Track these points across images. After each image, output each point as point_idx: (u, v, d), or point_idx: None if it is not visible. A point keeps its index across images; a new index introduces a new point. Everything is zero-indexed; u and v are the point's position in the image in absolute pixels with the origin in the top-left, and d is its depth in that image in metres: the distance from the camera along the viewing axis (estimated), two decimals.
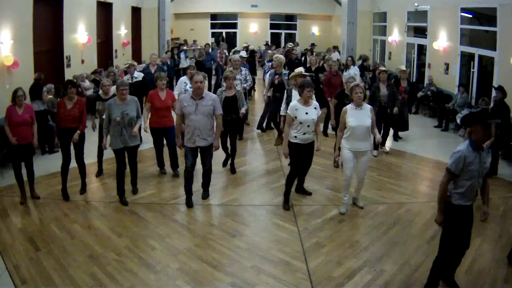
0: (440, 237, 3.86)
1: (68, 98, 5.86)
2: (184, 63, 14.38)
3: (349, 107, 5.39)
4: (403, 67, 9.10)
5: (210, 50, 14.13)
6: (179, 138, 5.68)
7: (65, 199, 5.85)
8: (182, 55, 14.71)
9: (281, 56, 8.84)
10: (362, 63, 13.38)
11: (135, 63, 9.06)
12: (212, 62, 13.46)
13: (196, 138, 5.45)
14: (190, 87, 6.60)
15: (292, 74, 7.11)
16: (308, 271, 4.26)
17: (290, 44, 15.09)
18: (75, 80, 6.98)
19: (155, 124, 6.52)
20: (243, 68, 8.63)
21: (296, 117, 5.31)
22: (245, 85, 8.32)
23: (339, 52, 16.99)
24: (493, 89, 9.10)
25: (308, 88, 5.33)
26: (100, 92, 6.70)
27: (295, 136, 5.40)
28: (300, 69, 7.18)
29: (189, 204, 5.70)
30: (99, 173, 6.85)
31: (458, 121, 9.38)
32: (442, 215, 3.78)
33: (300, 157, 5.56)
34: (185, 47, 17.90)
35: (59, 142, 5.90)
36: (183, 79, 7.89)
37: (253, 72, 12.02)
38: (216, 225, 5.24)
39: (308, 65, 10.86)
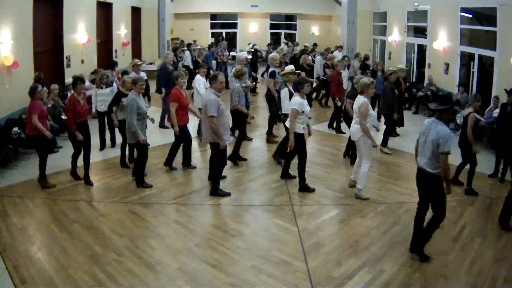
0: (435, 203, 4.44)
1: (78, 94, 6.17)
2: (190, 62, 14.42)
3: (367, 100, 5.94)
4: (403, 66, 9.22)
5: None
6: (223, 140, 5.78)
7: (90, 184, 6.30)
8: (188, 54, 14.89)
9: (273, 54, 9.24)
10: (364, 62, 13.39)
11: (141, 63, 9.48)
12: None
13: (229, 132, 6.10)
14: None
15: (284, 71, 7.37)
16: (308, 271, 4.26)
17: (306, 45, 15.58)
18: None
19: (183, 122, 6.76)
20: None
21: (303, 112, 5.92)
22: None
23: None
24: (493, 91, 9.14)
25: (307, 84, 6.08)
26: (122, 88, 6.97)
27: (303, 128, 6.05)
28: (291, 67, 7.44)
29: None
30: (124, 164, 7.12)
31: (458, 121, 9.39)
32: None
33: (304, 145, 6.14)
34: (192, 47, 17.90)
35: (80, 135, 6.15)
36: (202, 78, 8.09)
37: (254, 71, 12.66)
38: (216, 225, 5.24)
39: (301, 62, 11.21)
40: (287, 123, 6.21)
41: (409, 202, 5.92)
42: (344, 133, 9.01)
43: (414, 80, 13.91)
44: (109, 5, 13.57)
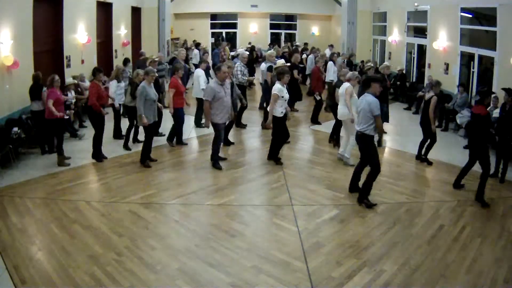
0: (370, 160, 5.70)
1: (99, 81, 7.23)
2: (199, 59, 14.63)
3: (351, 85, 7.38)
4: (388, 63, 10.03)
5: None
6: (208, 120, 6.87)
7: (100, 160, 7.21)
8: (197, 53, 15.24)
9: (271, 51, 10.72)
10: (350, 60, 14.03)
11: (158, 60, 10.47)
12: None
13: (227, 116, 6.99)
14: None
15: (276, 66, 8.60)
16: (308, 271, 4.26)
17: (297, 44, 16.71)
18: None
19: (180, 105, 7.95)
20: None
21: (282, 96, 6.83)
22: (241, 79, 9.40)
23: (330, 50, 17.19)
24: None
25: (287, 74, 7.04)
26: (135, 79, 7.85)
27: (281, 112, 6.92)
28: (282, 61, 8.83)
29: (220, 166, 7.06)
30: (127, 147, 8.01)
31: (458, 121, 9.40)
32: None
33: (284, 128, 7.14)
34: (200, 47, 18.05)
35: (101, 112, 7.12)
36: (202, 72, 9.13)
37: (251, 68, 13.43)
38: (216, 225, 5.23)
39: (293, 61, 11.65)
40: (269, 107, 7.08)
41: (409, 202, 5.93)
42: (320, 123, 10.01)
43: (414, 80, 13.91)
44: (109, 5, 13.56)
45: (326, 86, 11.63)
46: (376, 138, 6.44)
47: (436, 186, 6.65)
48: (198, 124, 9.45)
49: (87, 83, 10.41)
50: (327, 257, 4.52)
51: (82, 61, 11.18)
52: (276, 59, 10.04)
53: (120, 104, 8.55)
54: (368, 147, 5.71)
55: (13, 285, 3.96)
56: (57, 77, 7.02)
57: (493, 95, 8.56)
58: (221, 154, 7.49)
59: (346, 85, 7.44)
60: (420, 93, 11.49)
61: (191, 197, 6.02)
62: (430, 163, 7.43)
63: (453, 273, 4.24)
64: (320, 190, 6.29)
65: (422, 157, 7.55)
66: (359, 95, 8.51)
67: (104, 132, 7.35)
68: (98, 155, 7.26)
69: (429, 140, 7.45)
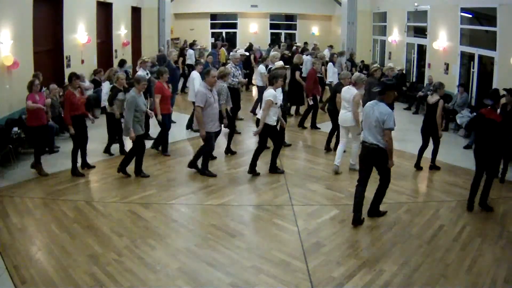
0: (384, 173, 5.16)
1: (74, 88, 6.59)
2: (194, 60, 14.59)
3: (359, 92, 6.77)
4: (392, 65, 9.99)
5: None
6: (203, 129, 6.33)
7: (78, 175, 6.61)
8: (192, 53, 15.16)
9: (274, 52, 10.34)
10: (352, 59, 14.07)
11: (148, 60, 9.89)
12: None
13: (217, 124, 6.55)
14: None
15: (274, 67, 8.16)
16: (308, 271, 4.26)
17: (298, 44, 16.63)
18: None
19: (165, 111, 7.52)
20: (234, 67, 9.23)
21: (276, 103, 6.34)
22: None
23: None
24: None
25: (281, 78, 6.54)
26: (115, 84, 7.46)
27: (275, 120, 6.45)
28: (280, 63, 8.26)
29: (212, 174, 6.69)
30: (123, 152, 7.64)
31: (458, 121, 9.40)
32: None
33: (275, 135, 6.64)
34: (197, 47, 18.08)
35: (73, 129, 6.48)
36: (198, 74, 8.72)
37: (248, 67, 13.38)
38: (216, 225, 5.23)
39: (295, 61, 11.27)
40: (259, 114, 6.58)
41: (409, 202, 5.93)
42: (306, 127, 9.70)
43: (414, 80, 13.91)
44: (109, 5, 13.55)
45: (327, 88, 11.63)
46: None
47: (436, 186, 6.66)
48: (189, 126, 9.24)
49: (87, 83, 10.42)
50: (327, 257, 4.52)
51: (82, 61, 11.18)
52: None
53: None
54: (382, 160, 5.07)
55: (13, 285, 3.95)
56: (36, 82, 6.57)
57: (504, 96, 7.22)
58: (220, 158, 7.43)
59: (353, 91, 6.78)
60: (420, 93, 11.53)
61: (191, 197, 6.02)
62: (438, 168, 7.15)
63: (453, 273, 4.24)
64: (320, 190, 6.29)
65: (430, 165, 7.19)
66: (365, 100, 8.40)
67: (87, 142, 6.94)
68: (75, 170, 6.65)
69: (433, 146, 7.10)
